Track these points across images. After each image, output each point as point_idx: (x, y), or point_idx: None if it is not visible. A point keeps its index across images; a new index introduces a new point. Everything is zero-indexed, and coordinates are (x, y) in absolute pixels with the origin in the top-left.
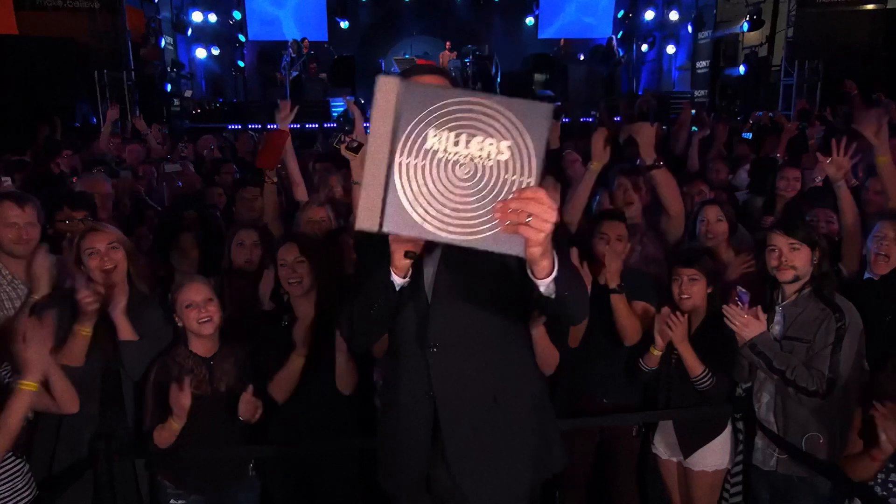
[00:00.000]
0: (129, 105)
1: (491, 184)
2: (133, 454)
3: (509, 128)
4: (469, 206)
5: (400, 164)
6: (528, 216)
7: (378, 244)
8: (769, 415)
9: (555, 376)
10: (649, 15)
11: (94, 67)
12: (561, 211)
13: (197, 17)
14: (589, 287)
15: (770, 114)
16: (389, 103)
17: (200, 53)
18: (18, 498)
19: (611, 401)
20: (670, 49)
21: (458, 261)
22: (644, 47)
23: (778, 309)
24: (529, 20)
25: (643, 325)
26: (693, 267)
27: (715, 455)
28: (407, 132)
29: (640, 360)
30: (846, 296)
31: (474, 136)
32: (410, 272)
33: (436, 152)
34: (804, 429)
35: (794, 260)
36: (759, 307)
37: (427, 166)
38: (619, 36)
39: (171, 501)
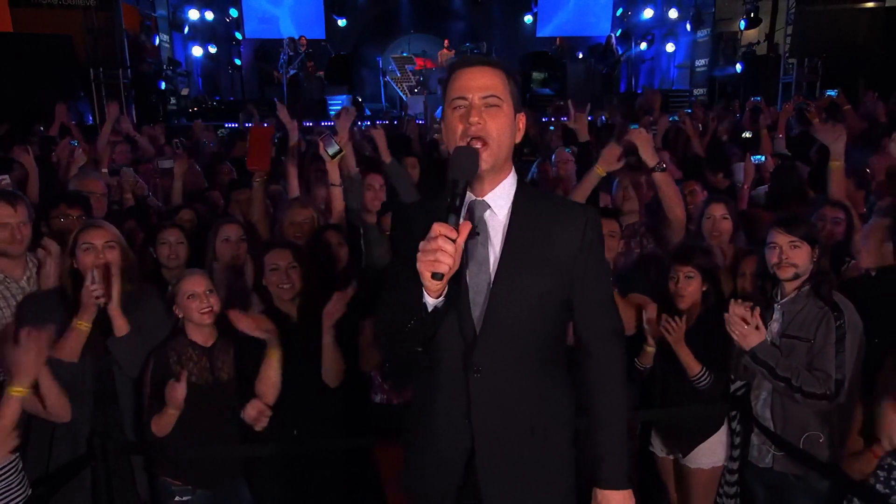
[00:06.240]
0: (124, 103)
1: None
2: (130, 451)
3: None
4: None
5: None
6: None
7: (414, 233)
8: (765, 411)
9: None
10: (648, 13)
11: (89, 65)
12: None
13: (193, 14)
14: None
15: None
16: None
17: (197, 51)
18: (15, 495)
19: None
20: (669, 47)
21: (510, 283)
22: (643, 45)
23: (776, 307)
24: (528, 18)
25: (639, 316)
26: (689, 264)
27: (711, 452)
28: None
29: (636, 360)
30: (846, 292)
31: None
32: (446, 292)
33: None
34: (804, 427)
35: (794, 258)
36: (758, 315)
37: None
38: (618, 34)
39: (177, 499)
